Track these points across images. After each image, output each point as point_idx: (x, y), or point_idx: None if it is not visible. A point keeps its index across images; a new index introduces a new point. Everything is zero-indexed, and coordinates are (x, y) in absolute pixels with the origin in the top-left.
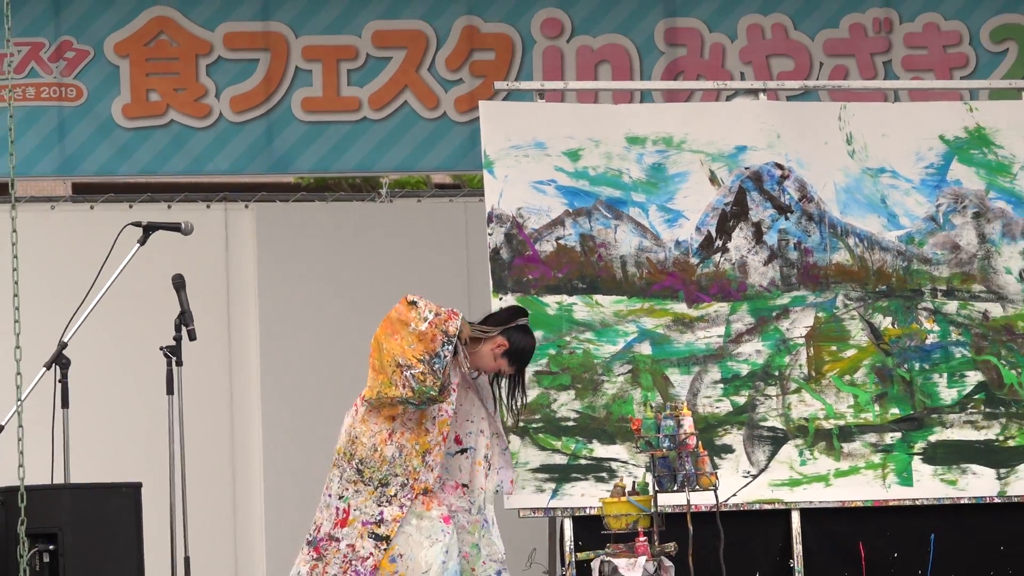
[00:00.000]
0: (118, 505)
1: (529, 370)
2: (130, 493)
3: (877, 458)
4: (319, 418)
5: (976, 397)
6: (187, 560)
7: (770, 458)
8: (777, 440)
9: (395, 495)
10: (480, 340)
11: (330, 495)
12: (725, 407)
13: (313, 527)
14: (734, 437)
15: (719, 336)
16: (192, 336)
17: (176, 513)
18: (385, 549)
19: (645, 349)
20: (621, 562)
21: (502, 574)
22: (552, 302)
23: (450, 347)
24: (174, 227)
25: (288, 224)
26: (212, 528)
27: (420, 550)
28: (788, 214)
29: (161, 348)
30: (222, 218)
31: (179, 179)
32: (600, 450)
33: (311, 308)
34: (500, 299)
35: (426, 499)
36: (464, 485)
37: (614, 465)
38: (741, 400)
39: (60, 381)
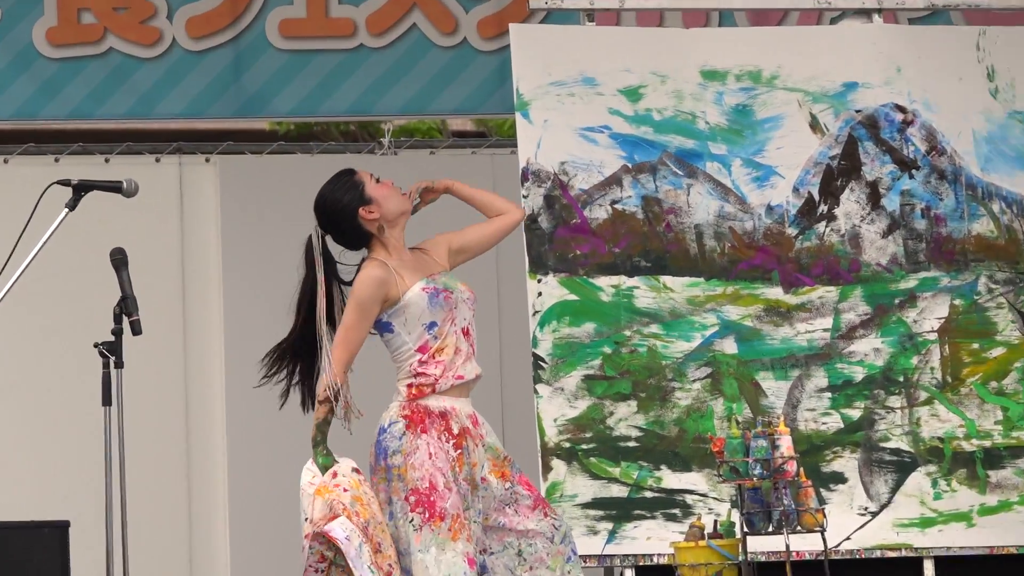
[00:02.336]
0: (39, 548)
1: (578, 374)
2: (54, 534)
3: None
4: (296, 436)
5: None
6: None
7: (894, 490)
8: (903, 466)
9: None
10: (375, 234)
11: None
12: (834, 423)
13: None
14: (847, 462)
15: (825, 330)
16: (136, 329)
17: (114, 557)
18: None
19: (729, 347)
20: None
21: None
22: (607, 285)
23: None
24: (113, 187)
25: (261, 183)
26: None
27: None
28: (913, 171)
29: (96, 345)
30: (176, 175)
31: (120, 125)
32: (671, 479)
33: (290, 291)
34: (539, 282)
35: None
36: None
37: (689, 499)
38: (855, 414)
39: None
